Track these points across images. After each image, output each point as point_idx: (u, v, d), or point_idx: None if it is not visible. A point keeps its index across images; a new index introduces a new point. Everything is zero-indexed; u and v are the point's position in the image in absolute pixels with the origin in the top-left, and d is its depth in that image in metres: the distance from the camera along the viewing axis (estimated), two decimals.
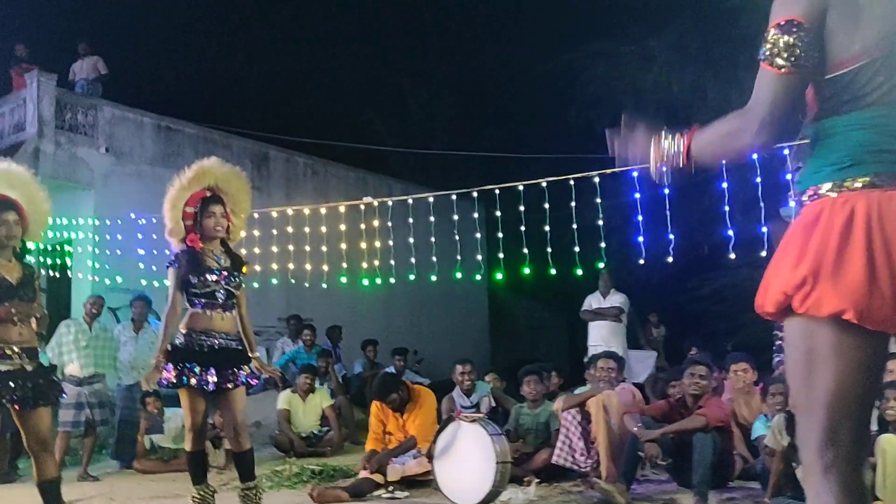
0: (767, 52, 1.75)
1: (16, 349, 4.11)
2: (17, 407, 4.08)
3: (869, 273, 1.65)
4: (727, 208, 6.38)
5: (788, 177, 6.21)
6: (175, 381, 4.39)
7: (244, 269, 4.75)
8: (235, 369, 4.48)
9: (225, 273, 4.55)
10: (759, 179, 6.19)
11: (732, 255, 6.60)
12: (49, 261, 10.98)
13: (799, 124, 1.86)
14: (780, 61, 1.73)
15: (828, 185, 1.75)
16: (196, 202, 4.56)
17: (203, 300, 4.49)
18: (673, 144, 1.90)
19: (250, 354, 4.63)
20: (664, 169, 1.92)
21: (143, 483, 7.16)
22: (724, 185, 6.36)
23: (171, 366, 4.41)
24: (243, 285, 4.70)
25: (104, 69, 12.96)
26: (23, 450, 7.63)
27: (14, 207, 4.21)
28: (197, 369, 4.38)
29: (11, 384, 4.03)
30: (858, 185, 1.72)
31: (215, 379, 4.39)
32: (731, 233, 6.42)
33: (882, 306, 1.65)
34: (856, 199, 1.71)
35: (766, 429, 5.17)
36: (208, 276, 4.49)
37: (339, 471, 6.72)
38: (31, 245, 4.57)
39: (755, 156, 6.54)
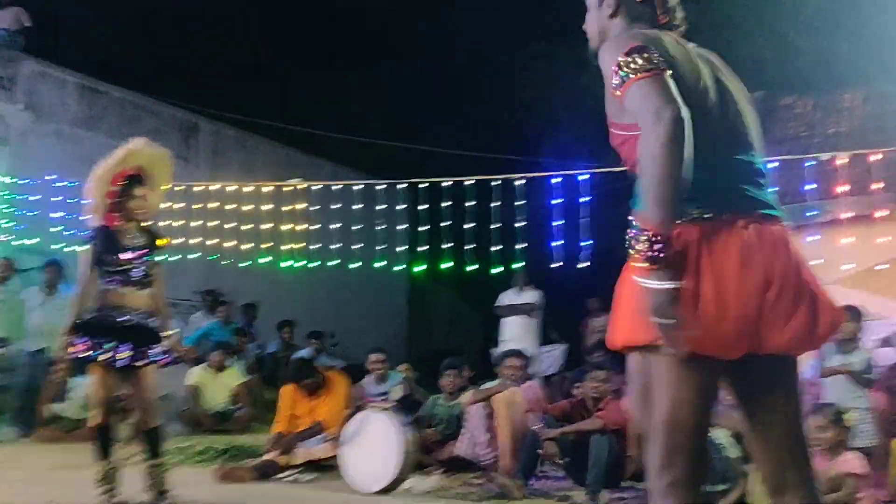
0: (628, 71, 1.85)
1: None
2: None
3: (696, 303, 1.83)
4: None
5: None
6: (86, 355, 4.40)
7: (161, 243, 4.79)
8: (148, 346, 4.51)
9: (140, 252, 4.59)
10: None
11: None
12: None
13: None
14: (644, 64, 1.84)
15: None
16: (119, 181, 4.59)
17: (117, 277, 4.51)
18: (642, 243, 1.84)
19: (164, 333, 4.66)
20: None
21: (43, 453, 7.04)
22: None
23: (84, 339, 4.42)
24: (159, 264, 4.72)
25: (27, 21, 12.48)
26: None
27: None
28: (109, 345, 4.39)
29: None
30: (685, 219, 1.90)
31: (127, 354, 4.41)
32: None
33: (710, 333, 1.82)
34: (685, 234, 1.89)
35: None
36: (122, 255, 4.52)
37: (246, 450, 6.76)
38: None
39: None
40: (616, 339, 1.96)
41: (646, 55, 1.85)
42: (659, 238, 1.78)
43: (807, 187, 6.97)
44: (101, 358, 4.38)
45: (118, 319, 4.47)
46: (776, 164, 6.51)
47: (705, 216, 1.89)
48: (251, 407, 8.52)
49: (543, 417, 5.67)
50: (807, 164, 7.00)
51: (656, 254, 1.79)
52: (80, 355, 4.42)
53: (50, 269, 8.50)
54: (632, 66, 1.84)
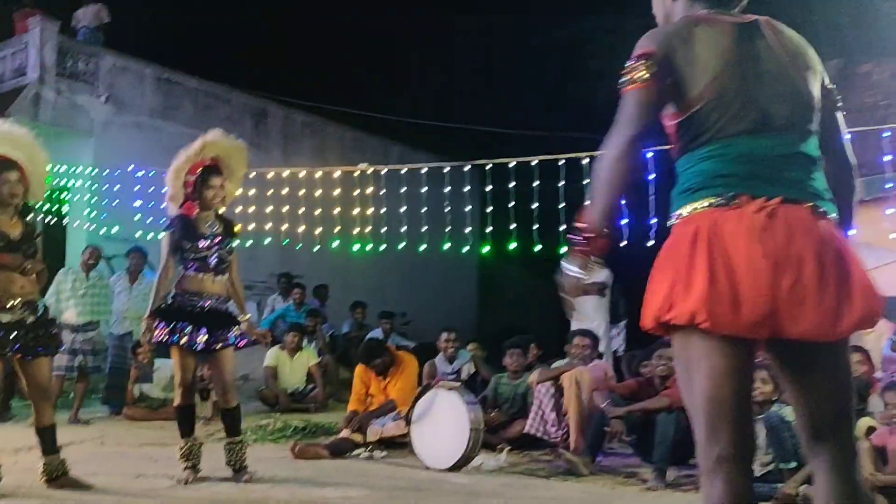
0: (625, 79, 2.01)
1: (17, 301, 4.32)
2: (18, 357, 4.30)
3: (710, 283, 1.86)
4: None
5: None
6: (166, 339, 4.64)
7: (236, 231, 4.98)
8: (225, 330, 4.72)
9: (217, 239, 4.79)
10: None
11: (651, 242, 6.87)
12: (46, 206, 11.12)
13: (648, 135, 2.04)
14: (633, 76, 1.98)
15: (683, 210, 2.00)
16: (196, 171, 4.80)
17: (195, 264, 4.73)
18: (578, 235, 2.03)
19: (240, 317, 4.87)
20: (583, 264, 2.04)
21: (132, 430, 7.42)
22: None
23: (163, 323, 4.66)
24: (234, 251, 4.92)
25: (107, 17, 12.96)
26: (16, 391, 7.95)
27: (16, 167, 4.37)
28: (188, 329, 4.62)
29: (12, 335, 4.24)
30: (704, 205, 1.96)
31: (205, 339, 4.64)
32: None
33: (725, 312, 1.85)
34: (699, 219, 1.94)
35: None
36: (201, 243, 4.73)
37: (322, 428, 6.98)
38: (32, 203, 4.71)
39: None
40: (645, 318, 2.01)
41: (643, 64, 1.98)
42: (585, 232, 1.99)
43: (885, 158, 6.74)
44: (180, 342, 4.61)
45: (196, 304, 4.70)
46: (850, 135, 6.32)
47: (716, 203, 1.94)
48: (325, 386, 8.77)
49: (610, 396, 5.70)
50: (884, 135, 6.76)
51: (578, 244, 2.00)
52: (161, 339, 4.65)
53: (134, 256, 8.87)
54: (628, 75, 2.00)
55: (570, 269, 2.02)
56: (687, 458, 5.56)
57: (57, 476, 4.42)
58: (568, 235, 2.04)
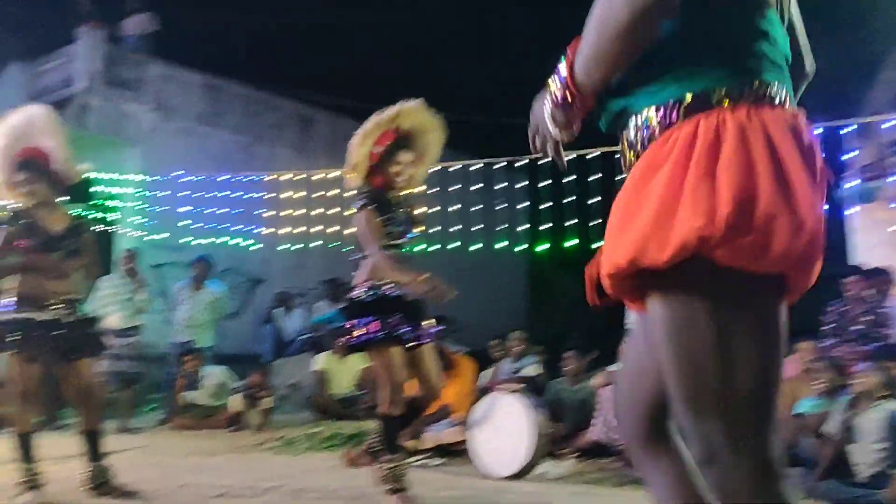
0: None
1: (55, 300, 4.12)
2: (53, 357, 4.10)
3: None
4: None
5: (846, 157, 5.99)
6: (381, 335, 3.88)
7: (418, 227, 4.20)
8: (419, 323, 4.05)
9: (407, 225, 4.09)
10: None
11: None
12: (94, 215, 11.12)
13: None
14: None
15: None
16: (385, 143, 4.01)
17: (389, 251, 3.94)
18: (555, 80, 1.48)
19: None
20: (555, 113, 1.49)
21: (180, 439, 7.24)
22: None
23: (370, 319, 3.89)
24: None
25: (154, 26, 12.97)
26: (63, 400, 7.84)
27: (25, 166, 4.12)
28: (395, 320, 3.91)
29: (50, 335, 4.04)
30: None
31: (414, 333, 3.99)
32: None
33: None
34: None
35: (811, 408, 5.02)
36: (394, 227, 4.00)
37: None
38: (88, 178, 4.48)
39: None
40: (618, 259, 1.34)
41: None
42: (570, 84, 1.43)
43: None
44: (399, 335, 3.91)
45: (395, 293, 3.97)
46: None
47: (773, 100, 1.38)
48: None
49: None
50: None
51: (560, 93, 1.45)
52: (377, 335, 3.88)
53: (199, 264, 8.78)
54: None
55: (547, 119, 1.50)
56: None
57: (101, 484, 4.21)
58: (549, 85, 1.48)
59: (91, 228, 4.44)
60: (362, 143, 3.98)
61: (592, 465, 5.68)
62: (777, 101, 1.37)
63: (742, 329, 1.30)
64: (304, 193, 9.72)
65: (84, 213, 4.66)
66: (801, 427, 5.01)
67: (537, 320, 15.89)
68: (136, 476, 4.82)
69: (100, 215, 10.88)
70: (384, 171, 4.00)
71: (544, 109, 1.51)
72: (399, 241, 4.03)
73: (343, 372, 8.43)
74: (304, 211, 9.65)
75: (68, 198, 4.44)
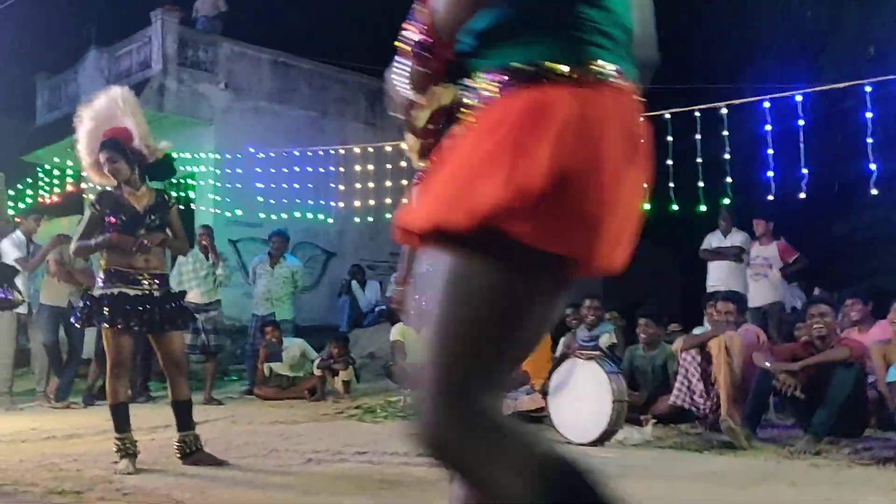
0: None
1: (145, 275, 4.26)
2: (145, 331, 4.24)
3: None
4: (870, 140, 5.91)
5: None
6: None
7: None
8: None
9: None
10: None
11: (874, 192, 6.13)
12: (174, 193, 11.44)
13: None
14: None
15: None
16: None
17: None
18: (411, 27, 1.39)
19: None
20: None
21: (263, 408, 7.45)
22: (869, 115, 5.88)
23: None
24: None
25: (224, 6, 13.16)
26: (153, 373, 8.15)
27: (109, 146, 4.22)
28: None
29: (140, 309, 4.18)
30: None
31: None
32: (873, 167, 5.96)
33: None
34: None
35: None
36: None
37: None
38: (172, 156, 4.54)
39: None
40: (420, 219, 1.28)
41: None
42: (427, 35, 1.34)
43: None
44: None
45: None
46: None
47: (610, 77, 1.30)
48: None
49: (772, 356, 5.16)
50: None
51: (415, 48, 1.36)
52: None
53: (276, 239, 8.95)
54: None
55: (399, 76, 1.42)
56: (861, 429, 5.04)
57: (192, 452, 4.35)
58: (404, 29, 1.38)
59: (174, 204, 4.54)
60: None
61: (672, 430, 5.62)
62: (605, 77, 1.28)
63: (507, 302, 1.25)
64: (374, 166, 9.79)
65: (167, 190, 4.80)
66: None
67: (612, 287, 15.72)
68: (222, 445, 4.98)
69: (181, 193, 11.20)
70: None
71: (394, 69, 1.44)
72: None
73: (419, 341, 8.50)
74: (375, 183, 9.72)
75: (149, 176, 4.55)
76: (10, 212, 11.93)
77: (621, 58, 1.31)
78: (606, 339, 6.99)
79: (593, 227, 1.23)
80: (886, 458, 4.27)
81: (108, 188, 4.35)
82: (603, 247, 1.26)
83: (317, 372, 8.14)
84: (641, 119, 1.32)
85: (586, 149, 1.22)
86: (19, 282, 7.65)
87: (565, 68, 1.26)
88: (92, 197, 4.33)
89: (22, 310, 7.59)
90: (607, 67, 1.28)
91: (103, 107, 4.29)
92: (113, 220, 4.25)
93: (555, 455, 1.26)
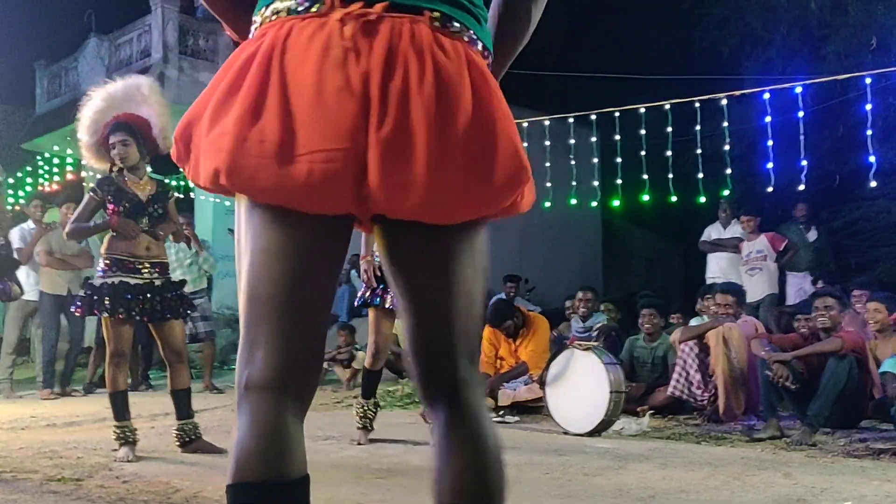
0: None
1: (145, 264, 4.27)
2: (146, 319, 4.26)
3: (244, 125, 1.15)
4: (869, 133, 5.91)
5: None
6: (368, 300, 4.60)
7: None
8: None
9: None
10: None
11: (873, 184, 6.13)
12: (173, 182, 11.43)
13: None
14: None
15: (258, 14, 1.28)
16: None
17: None
18: None
19: None
20: None
21: None
22: (868, 107, 5.88)
23: (362, 286, 4.68)
24: None
25: None
26: (153, 361, 8.17)
27: (124, 128, 4.23)
28: (381, 288, 4.55)
29: (140, 298, 4.19)
30: (281, 8, 1.23)
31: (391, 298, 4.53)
32: (872, 160, 5.96)
33: (266, 169, 1.13)
34: (271, 29, 1.21)
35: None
36: None
37: None
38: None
39: None
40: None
41: None
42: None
43: None
44: (384, 304, 4.55)
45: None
46: None
47: (294, 7, 1.21)
48: None
49: (769, 344, 5.17)
50: None
51: None
52: (364, 299, 4.64)
53: None
54: None
55: None
56: (858, 420, 5.06)
57: (191, 440, 4.37)
58: None
59: (173, 194, 4.55)
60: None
61: (670, 421, 5.65)
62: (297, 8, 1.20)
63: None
64: None
65: (167, 180, 4.80)
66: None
67: (610, 279, 15.74)
68: (222, 433, 5.00)
69: (180, 182, 11.18)
70: None
71: None
72: None
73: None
74: None
75: (151, 168, 4.56)
76: (10, 200, 11.94)
77: None
78: (600, 332, 7.01)
79: (276, 155, 1.17)
80: (881, 450, 4.30)
81: (111, 174, 4.33)
82: (281, 171, 1.15)
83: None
84: (361, 38, 1.18)
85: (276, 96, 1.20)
86: (23, 272, 7.66)
87: (269, 11, 1.25)
88: (92, 184, 4.33)
89: (32, 297, 7.61)
90: (294, 2, 1.22)
91: (121, 91, 4.27)
92: (115, 207, 4.25)
93: None
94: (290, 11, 1.21)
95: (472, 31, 1.25)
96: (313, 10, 1.19)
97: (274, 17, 1.22)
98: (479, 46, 1.26)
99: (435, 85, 1.15)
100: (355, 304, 4.82)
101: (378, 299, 4.56)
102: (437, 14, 1.21)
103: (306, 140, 1.12)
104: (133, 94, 4.25)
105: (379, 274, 4.47)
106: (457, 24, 1.23)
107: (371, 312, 4.65)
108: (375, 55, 1.15)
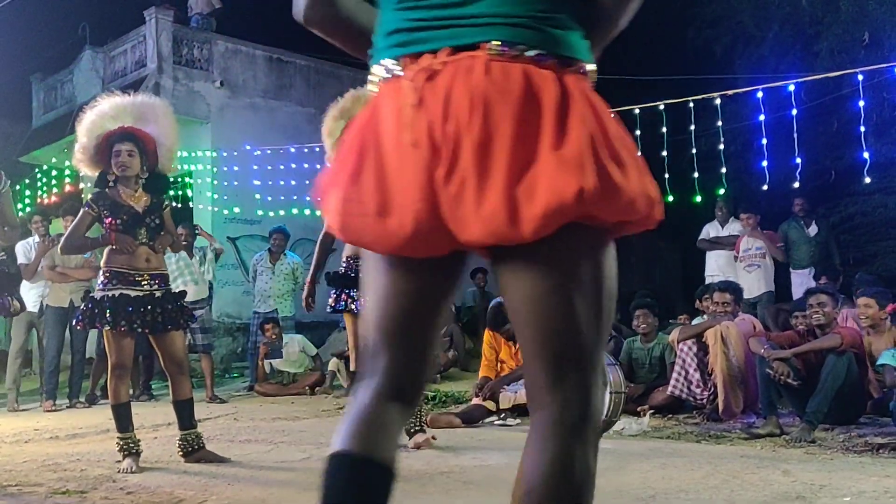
0: None
1: (145, 276, 4.29)
2: (147, 331, 4.28)
3: (351, 184, 1.31)
4: (863, 129, 5.94)
5: None
6: (333, 306, 4.67)
7: None
8: None
9: None
10: None
11: (868, 179, 6.16)
12: (171, 192, 11.44)
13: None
14: None
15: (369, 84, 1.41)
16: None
17: None
18: None
19: None
20: None
21: (265, 405, 7.49)
22: (861, 103, 5.91)
23: (331, 291, 4.73)
24: None
25: (218, 3, 13.13)
26: (155, 372, 8.19)
27: (131, 139, 4.29)
28: (356, 294, 4.60)
29: (141, 310, 4.21)
30: (378, 79, 1.38)
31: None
32: (866, 155, 5.99)
33: (368, 224, 1.29)
34: (373, 98, 1.38)
35: (894, 360, 4.90)
36: None
37: (452, 397, 6.82)
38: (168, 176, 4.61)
39: None
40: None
41: None
42: None
43: None
44: (350, 307, 4.63)
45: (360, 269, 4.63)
46: None
47: (387, 74, 1.34)
48: (452, 354, 8.60)
49: (767, 342, 5.20)
50: None
51: None
52: (330, 306, 4.71)
53: (276, 236, 8.95)
54: None
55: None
56: (856, 417, 5.09)
57: (194, 450, 4.39)
58: None
59: (168, 205, 4.57)
60: (329, 137, 4.43)
61: (670, 420, 5.67)
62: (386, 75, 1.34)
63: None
64: None
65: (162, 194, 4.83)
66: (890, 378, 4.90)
67: None
68: (225, 442, 5.03)
69: (178, 192, 11.21)
70: None
71: None
72: None
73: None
74: None
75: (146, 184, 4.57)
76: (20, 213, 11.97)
77: (404, 44, 1.33)
78: None
79: (376, 211, 1.32)
80: (880, 445, 4.33)
81: (106, 189, 4.35)
82: (380, 225, 1.32)
83: (332, 365, 8.22)
84: (426, 90, 1.28)
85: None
86: (27, 286, 7.69)
87: (372, 80, 1.39)
88: (88, 196, 4.36)
89: (33, 309, 7.65)
90: (384, 69, 1.34)
91: (131, 106, 4.32)
92: (112, 220, 4.28)
93: None
94: (383, 78, 1.35)
95: (538, 48, 1.27)
96: (396, 72, 1.32)
97: (375, 84, 1.37)
98: (552, 59, 1.28)
99: (482, 117, 1.22)
100: (326, 310, 4.87)
101: (343, 304, 4.65)
102: (494, 44, 1.26)
103: (395, 196, 1.26)
104: (145, 112, 4.30)
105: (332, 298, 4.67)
106: (520, 46, 1.27)
107: (347, 318, 4.75)
108: (436, 104, 1.25)
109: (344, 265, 4.73)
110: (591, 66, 1.34)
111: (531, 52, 1.26)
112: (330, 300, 4.73)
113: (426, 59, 1.28)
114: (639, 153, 1.31)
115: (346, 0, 1.48)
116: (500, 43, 1.26)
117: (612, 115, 1.30)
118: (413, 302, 1.39)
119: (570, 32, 1.32)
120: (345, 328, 9.79)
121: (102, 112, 4.24)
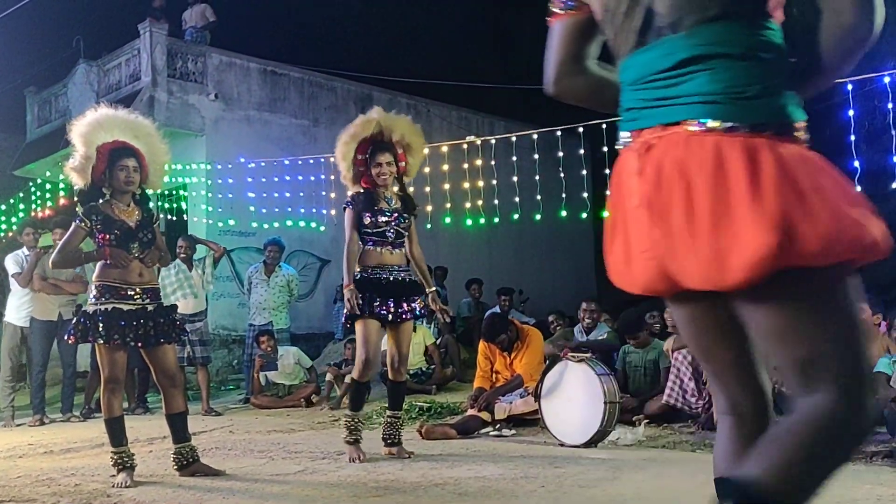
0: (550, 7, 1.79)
1: (137, 290, 4.29)
2: (139, 345, 4.28)
3: (612, 239, 1.65)
4: (853, 138, 5.98)
5: None
6: (356, 312, 4.65)
7: (415, 208, 5.03)
8: (410, 301, 4.81)
9: (395, 215, 4.83)
10: (890, 106, 5.76)
11: (859, 188, 6.17)
12: (167, 205, 11.45)
13: (583, 74, 1.77)
14: (553, 9, 1.77)
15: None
16: (366, 150, 4.82)
17: (374, 238, 4.81)
18: None
19: (427, 290, 4.96)
20: None
21: (260, 417, 7.48)
22: (851, 112, 5.95)
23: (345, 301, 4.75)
24: (413, 225, 4.98)
25: (212, 16, 13.20)
26: (150, 385, 8.18)
27: (135, 155, 4.35)
28: (376, 301, 4.68)
29: (134, 324, 4.21)
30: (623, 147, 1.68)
31: (393, 310, 4.71)
32: (857, 164, 6.02)
33: (621, 271, 1.62)
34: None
35: (889, 367, 4.91)
36: (380, 218, 4.77)
37: (447, 408, 6.81)
38: (150, 192, 4.71)
39: (886, 80, 6.11)
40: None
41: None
42: None
43: None
44: (372, 311, 4.66)
45: (381, 277, 4.76)
46: None
47: (626, 142, 1.64)
48: (446, 365, 8.60)
49: None
50: None
51: None
52: (351, 311, 4.67)
53: (271, 248, 8.94)
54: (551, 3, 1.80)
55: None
56: None
57: (188, 463, 4.39)
58: None
59: (158, 219, 4.62)
60: (343, 160, 4.82)
61: (665, 429, 5.67)
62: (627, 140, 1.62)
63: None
64: None
65: (151, 206, 4.85)
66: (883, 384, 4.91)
67: (603, 290, 15.77)
68: (220, 455, 5.02)
69: (173, 205, 11.21)
70: (371, 174, 4.81)
71: None
72: (382, 229, 4.79)
73: (410, 348, 8.53)
74: None
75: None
76: (3, 227, 11.96)
77: (633, 119, 1.62)
78: (605, 332, 7.13)
79: (624, 260, 1.64)
80: (874, 453, 4.33)
81: (98, 203, 4.36)
82: (628, 272, 1.64)
83: (328, 377, 8.21)
84: (644, 160, 1.56)
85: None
86: (16, 297, 7.68)
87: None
88: (80, 210, 4.37)
89: (24, 323, 7.63)
90: (623, 140, 1.64)
91: (125, 121, 4.39)
92: (105, 235, 4.28)
93: None
94: (624, 143, 1.63)
95: (730, 120, 1.47)
96: (628, 143, 1.61)
97: (621, 146, 1.64)
98: (744, 128, 1.46)
99: (685, 184, 1.46)
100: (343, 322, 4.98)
101: (366, 309, 4.64)
102: (691, 122, 1.49)
103: (633, 248, 1.57)
104: (137, 130, 4.38)
105: (360, 302, 4.63)
106: (714, 123, 1.47)
107: (359, 325, 4.71)
108: (651, 174, 1.52)
109: (360, 274, 4.77)
110: (798, 122, 1.52)
111: (724, 125, 1.47)
112: (349, 306, 4.70)
113: (647, 133, 1.55)
114: (857, 191, 1.51)
115: (592, 68, 1.76)
116: (696, 121, 1.49)
117: (820, 166, 1.49)
118: (701, 338, 1.67)
119: (769, 99, 1.50)
120: (339, 339, 9.83)
121: (97, 122, 4.28)
